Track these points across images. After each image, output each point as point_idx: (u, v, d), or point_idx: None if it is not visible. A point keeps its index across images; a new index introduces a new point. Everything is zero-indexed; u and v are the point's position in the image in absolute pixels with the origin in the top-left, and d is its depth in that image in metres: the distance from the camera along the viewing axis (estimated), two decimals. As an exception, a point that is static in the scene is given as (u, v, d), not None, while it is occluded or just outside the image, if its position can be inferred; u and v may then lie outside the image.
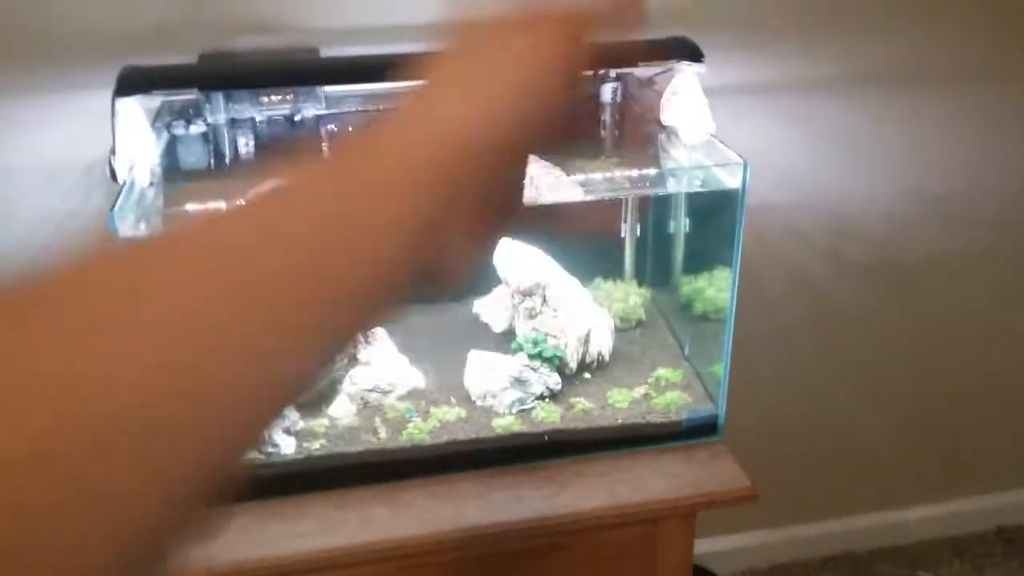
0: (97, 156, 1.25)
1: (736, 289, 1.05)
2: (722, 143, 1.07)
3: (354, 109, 1.29)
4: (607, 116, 1.31)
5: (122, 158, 1.00)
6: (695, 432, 1.11)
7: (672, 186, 1.15)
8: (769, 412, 1.66)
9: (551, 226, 1.25)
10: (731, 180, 1.04)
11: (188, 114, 1.20)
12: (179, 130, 1.19)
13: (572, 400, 1.12)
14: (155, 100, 1.15)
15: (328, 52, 1.25)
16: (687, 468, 1.08)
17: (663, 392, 1.14)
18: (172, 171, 1.11)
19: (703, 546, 1.76)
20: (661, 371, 1.17)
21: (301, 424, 1.08)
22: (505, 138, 0.38)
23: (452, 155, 0.36)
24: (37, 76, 1.21)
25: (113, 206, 0.90)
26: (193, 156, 1.19)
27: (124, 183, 0.97)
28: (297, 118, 1.24)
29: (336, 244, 0.32)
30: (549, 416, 1.10)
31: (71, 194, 1.28)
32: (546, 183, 1.11)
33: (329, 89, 1.24)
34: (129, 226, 0.93)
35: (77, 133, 1.24)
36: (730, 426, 1.12)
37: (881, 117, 1.48)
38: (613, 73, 1.30)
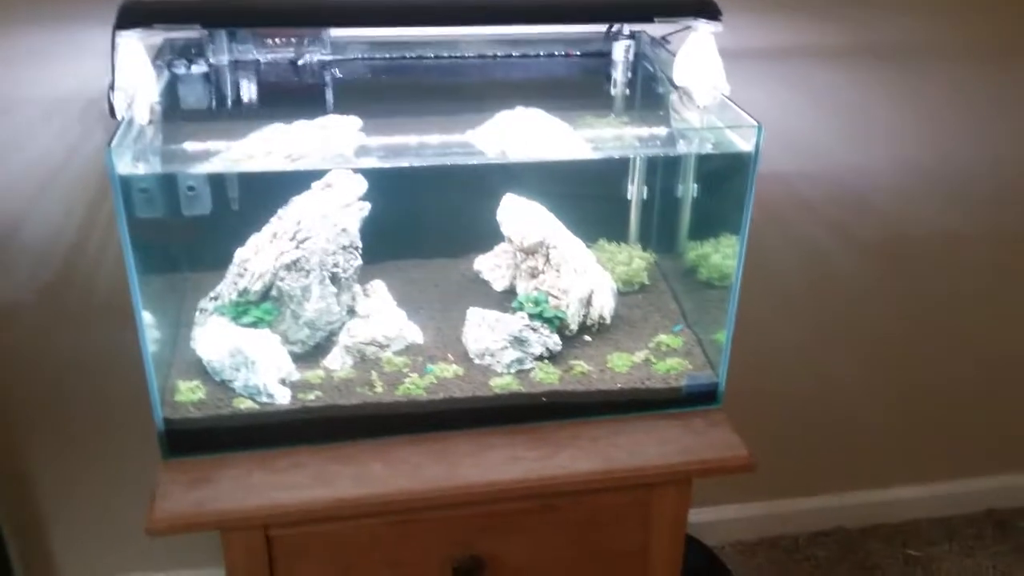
0: (97, 93, 1.22)
1: (743, 256, 1.03)
2: (736, 105, 1.04)
3: (359, 55, 1.26)
4: (618, 74, 1.28)
5: (121, 94, 0.97)
6: (694, 399, 1.10)
7: (682, 147, 1.12)
8: (766, 384, 1.65)
9: (556, 183, 1.22)
10: (743, 143, 1.02)
11: (190, 53, 1.17)
12: (180, 69, 1.16)
13: (571, 362, 1.11)
14: (157, 36, 1.12)
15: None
16: (684, 435, 1.07)
17: (663, 358, 1.12)
18: (172, 110, 1.08)
19: (691, 516, 1.76)
20: (662, 336, 1.15)
21: (296, 375, 1.06)
22: None
23: None
24: (37, 7, 1.17)
25: (110, 142, 0.87)
26: (194, 96, 1.16)
27: (122, 119, 0.94)
28: (301, 62, 1.22)
29: None
30: (547, 377, 1.08)
31: (69, 129, 1.25)
32: (552, 138, 1.08)
33: (335, 34, 1.21)
34: (126, 164, 0.90)
35: (77, 68, 1.21)
36: (727, 396, 1.11)
37: (891, 91, 1.46)
38: (626, 30, 1.27)
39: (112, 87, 0.97)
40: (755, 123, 0.98)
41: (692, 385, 1.09)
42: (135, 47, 0.99)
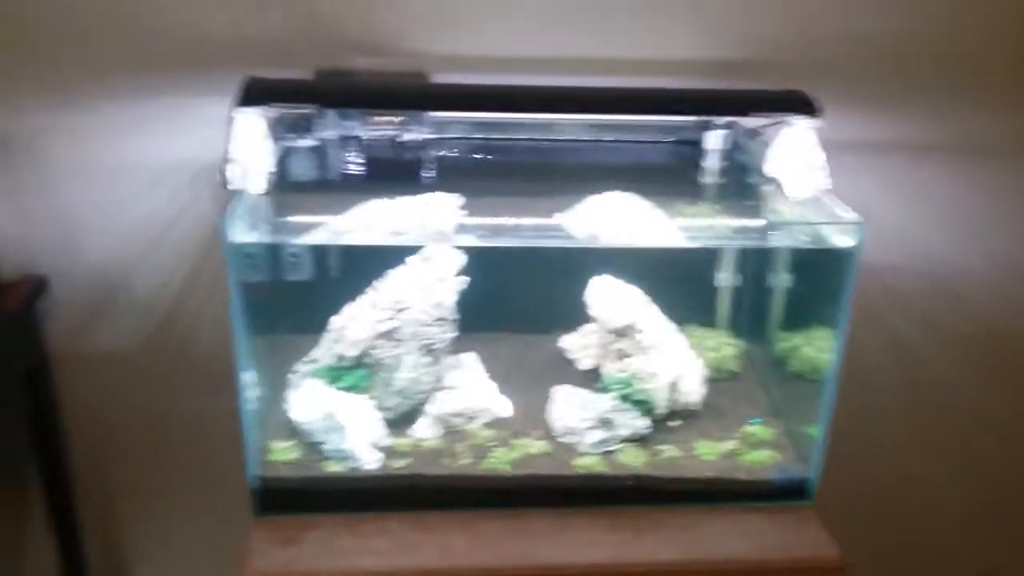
0: (205, 161, 1.29)
1: (840, 351, 1.02)
2: (835, 200, 1.05)
3: (458, 135, 1.31)
4: (710, 162, 1.30)
5: (236, 165, 1.02)
6: (783, 494, 1.08)
7: (778, 240, 1.13)
8: (854, 482, 1.60)
9: (645, 267, 1.24)
10: (843, 238, 1.02)
11: (301, 128, 1.23)
12: (291, 142, 1.22)
13: (657, 447, 1.10)
14: (270, 111, 1.18)
15: (437, 78, 1.27)
16: (772, 529, 1.04)
17: (752, 448, 1.11)
18: (280, 181, 1.13)
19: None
20: (751, 427, 1.14)
21: (386, 442, 1.08)
22: None
23: None
24: (153, 80, 1.25)
25: (223, 212, 0.92)
26: (301, 168, 1.21)
27: (237, 190, 0.99)
28: (403, 140, 1.27)
29: None
30: (633, 460, 1.08)
31: (179, 194, 1.31)
32: (643, 224, 1.10)
33: (436, 114, 1.26)
34: (239, 232, 0.95)
35: (190, 137, 1.27)
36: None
37: (988, 186, 1.44)
38: (721, 120, 1.29)
39: (227, 159, 1.03)
40: (858, 220, 0.98)
41: (782, 479, 1.08)
42: (252, 122, 1.04)
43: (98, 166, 1.28)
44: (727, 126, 1.29)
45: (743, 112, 1.13)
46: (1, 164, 1.22)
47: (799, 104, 1.10)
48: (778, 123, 1.14)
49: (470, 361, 1.18)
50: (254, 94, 1.03)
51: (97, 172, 1.28)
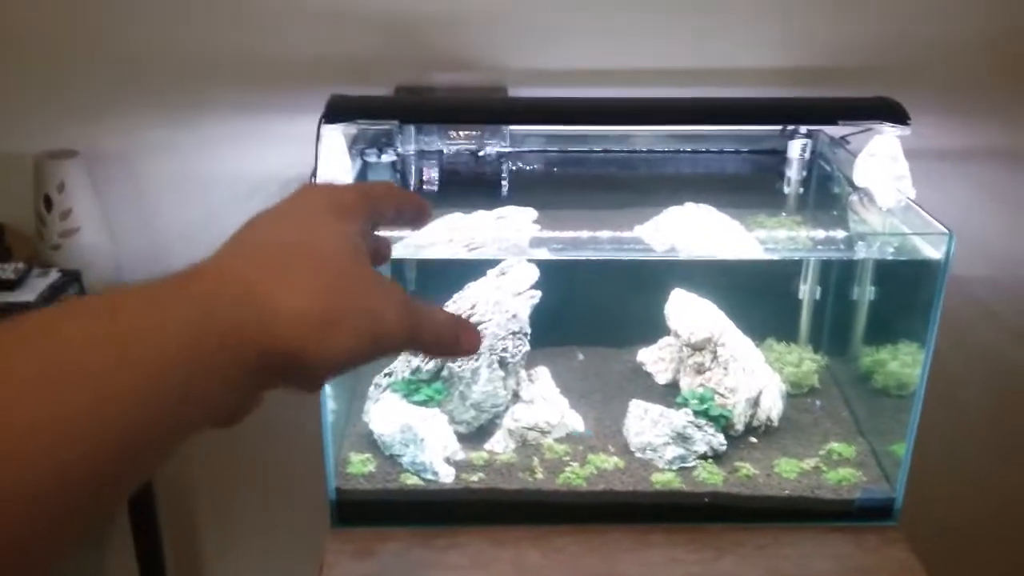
0: (292, 175, 1.32)
1: (928, 367, 0.99)
2: (923, 210, 1.01)
3: (536, 148, 1.31)
4: (793, 172, 1.27)
5: (322, 181, 1.05)
6: (868, 514, 1.04)
7: (863, 251, 1.09)
8: (941, 504, 1.54)
9: (724, 279, 1.22)
10: (931, 250, 0.98)
11: (381, 143, 1.25)
12: (371, 158, 1.24)
13: (736, 463, 1.08)
14: (352, 127, 1.21)
15: (515, 92, 1.28)
16: (857, 551, 1.01)
17: (835, 467, 1.07)
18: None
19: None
20: (834, 444, 1.11)
21: (461, 455, 1.08)
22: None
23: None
24: (245, 98, 1.29)
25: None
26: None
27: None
28: (481, 153, 1.28)
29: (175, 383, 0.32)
30: (711, 477, 1.06)
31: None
32: (722, 237, 1.08)
33: (514, 127, 1.27)
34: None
35: (276, 153, 1.31)
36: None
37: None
38: (803, 128, 1.27)
39: (314, 174, 1.05)
40: (946, 231, 0.94)
41: (866, 498, 1.04)
42: (336, 138, 1.07)
43: (190, 180, 1.33)
44: (809, 135, 1.26)
45: (832, 120, 1.11)
46: (95, 178, 1.28)
47: (888, 111, 1.07)
48: (866, 131, 1.11)
49: (544, 375, 1.18)
50: (339, 111, 1.05)
51: (188, 186, 1.33)
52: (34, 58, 1.26)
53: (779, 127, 1.28)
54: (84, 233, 1.25)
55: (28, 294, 1.14)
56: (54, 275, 1.19)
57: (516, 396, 1.15)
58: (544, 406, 1.14)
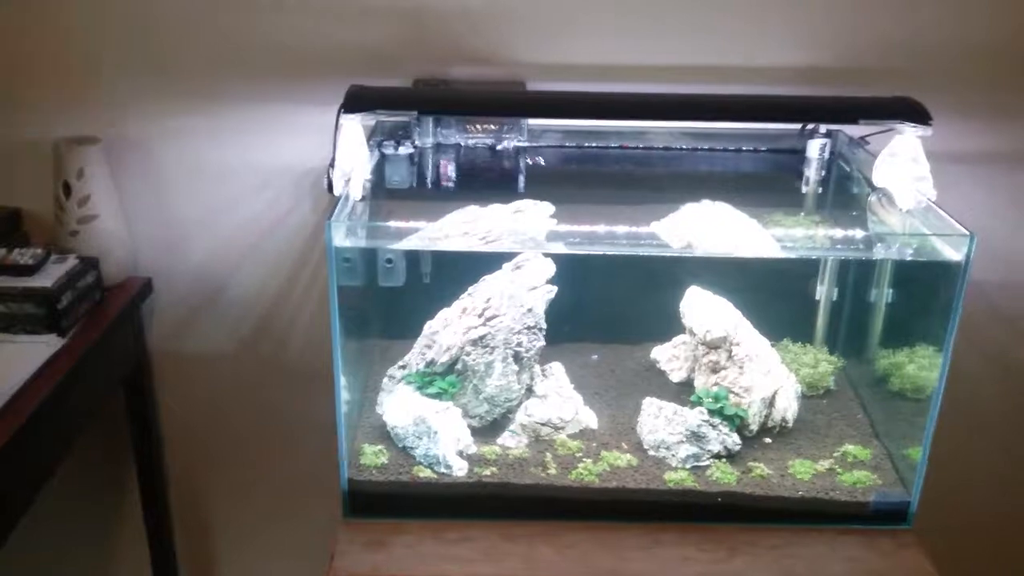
0: (307, 167, 1.32)
1: (946, 370, 0.98)
2: (944, 211, 1.00)
3: (553, 143, 1.31)
4: (811, 171, 1.26)
5: (339, 171, 1.04)
6: (882, 517, 1.04)
7: (881, 252, 1.09)
8: (956, 508, 1.53)
9: (740, 278, 1.21)
10: (950, 252, 0.97)
11: (399, 135, 1.25)
12: (389, 150, 1.24)
13: (750, 463, 1.07)
14: (371, 119, 1.20)
15: (534, 87, 1.27)
16: (870, 555, 1.00)
17: (849, 469, 1.07)
18: (378, 187, 1.15)
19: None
20: (849, 446, 1.10)
21: (474, 449, 1.08)
22: None
23: None
24: (262, 88, 1.29)
25: (330, 216, 0.94)
26: (398, 175, 1.23)
27: (340, 195, 1.01)
28: (499, 148, 1.27)
29: None
30: (724, 477, 1.05)
31: (280, 199, 1.35)
32: (739, 234, 1.07)
33: (532, 122, 1.26)
34: (341, 237, 0.97)
35: (293, 143, 1.31)
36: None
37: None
38: (823, 128, 1.26)
39: (332, 164, 1.05)
40: (966, 232, 0.94)
41: (881, 502, 1.03)
42: (355, 128, 1.06)
43: (207, 170, 1.33)
44: (828, 135, 1.25)
45: (853, 119, 1.10)
46: (112, 167, 1.28)
47: (910, 111, 1.06)
48: (887, 131, 1.10)
49: (557, 371, 1.17)
50: (358, 102, 1.05)
51: (206, 175, 1.33)
52: (57, 46, 1.26)
53: (798, 126, 1.27)
54: (102, 220, 1.26)
55: (46, 280, 1.14)
56: (72, 261, 1.20)
57: (530, 391, 1.15)
58: (558, 402, 1.13)
